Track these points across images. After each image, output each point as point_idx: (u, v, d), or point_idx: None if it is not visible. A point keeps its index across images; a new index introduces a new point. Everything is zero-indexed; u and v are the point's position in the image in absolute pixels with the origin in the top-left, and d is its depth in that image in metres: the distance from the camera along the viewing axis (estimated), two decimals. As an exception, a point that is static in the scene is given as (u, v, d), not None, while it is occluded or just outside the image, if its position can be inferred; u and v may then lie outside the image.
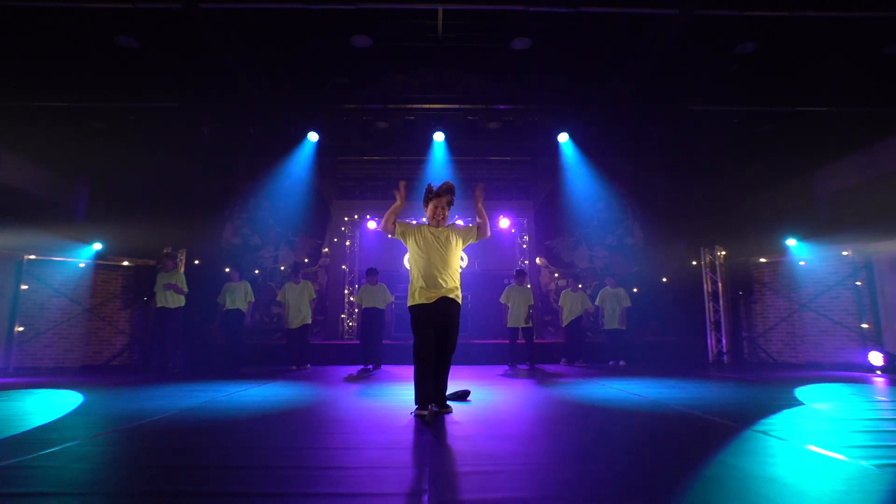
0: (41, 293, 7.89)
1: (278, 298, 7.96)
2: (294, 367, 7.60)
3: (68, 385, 5.70)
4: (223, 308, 7.97)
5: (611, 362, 8.39)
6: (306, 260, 10.50)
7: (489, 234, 3.96)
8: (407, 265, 3.98)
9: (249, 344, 8.85)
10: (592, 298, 8.78)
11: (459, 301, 3.78)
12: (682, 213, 10.25)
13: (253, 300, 8.16)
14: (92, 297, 8.34)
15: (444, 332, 3.67)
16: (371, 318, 7.74)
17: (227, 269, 8.60)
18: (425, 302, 3.65)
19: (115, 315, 8.60)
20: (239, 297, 7.92)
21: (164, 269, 7.88)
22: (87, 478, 2.22)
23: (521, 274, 8.24)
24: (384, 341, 8.17)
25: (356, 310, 7.94)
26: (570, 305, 8.40)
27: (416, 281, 3.73)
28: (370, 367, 7.64)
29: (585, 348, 8.72)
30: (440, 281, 3.67)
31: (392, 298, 8.15)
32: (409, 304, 3.76)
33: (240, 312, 7.92)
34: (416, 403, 3.55)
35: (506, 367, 7.90)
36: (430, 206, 3.83)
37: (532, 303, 8.16)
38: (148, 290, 8.76)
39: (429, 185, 3.91)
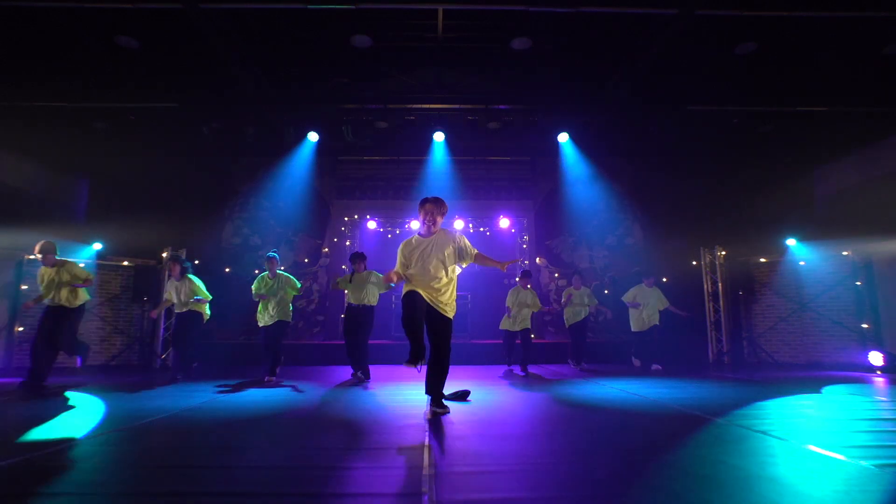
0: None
1: (252, 288, 6.33)
2: (268, 378, 5.92)
3: (68, 385, 5.69)
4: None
5: (654, 366, 7.45)
6: (306, 260, 10.50)
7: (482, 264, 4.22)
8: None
9: (247, 344, 8.85)
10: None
11: (450, 314, 3.94)
12: (682, 213, 10.24)
13: (199, 298, 6.49)
14: (92, 297, 8.31)
15: (435, 342, 3.87)
16: (355, 317, 6.33)
17: (227, 269, 8.50)
18: (419, 291, 3.84)
19: (115, 315, 8.60)
20: (184, 298, 6.52)
21: (47, 263, 5.59)
22: (87, 478, 2.22)
23: (526, 275, 7.53)
24: (383, 341, 7.93)
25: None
26: (576, 304, 7.58)
27: (411, 283, 3.94)
28: (359, 374, 6.30)
29: (587, 349, 8.59)
30: (433, 293, 3.87)
31: (385, 286, 6.20)
32: (402, 295, 3.95)
33: (188, 314, 6.50)
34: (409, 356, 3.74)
35: (505, 368, 7.88)
36: (420, 214, 4.02)
37: (539, 307, 7.50)
38: (146, 289, 8.77)
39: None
